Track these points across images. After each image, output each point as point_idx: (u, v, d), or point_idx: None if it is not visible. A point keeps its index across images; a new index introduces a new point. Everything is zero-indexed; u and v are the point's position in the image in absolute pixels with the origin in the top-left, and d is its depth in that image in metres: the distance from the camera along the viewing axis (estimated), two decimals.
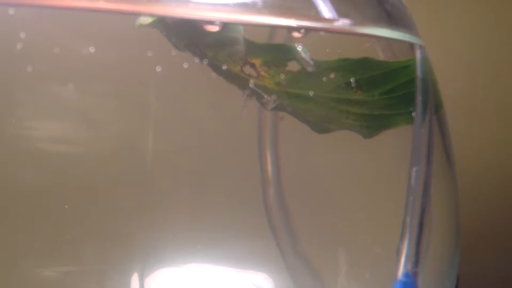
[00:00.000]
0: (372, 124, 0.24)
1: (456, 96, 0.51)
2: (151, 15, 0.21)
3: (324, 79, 0.23)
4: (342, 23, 0.23)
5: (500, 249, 0.53)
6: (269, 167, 0.24)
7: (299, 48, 0.22)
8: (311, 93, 0.23)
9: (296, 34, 0.22)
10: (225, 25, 0.22)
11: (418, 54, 0.25)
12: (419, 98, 0.24)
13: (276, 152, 0.24)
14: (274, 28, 0.23)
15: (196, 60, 0.22)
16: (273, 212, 0.24)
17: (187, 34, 0.22)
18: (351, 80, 0.23)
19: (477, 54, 0.53)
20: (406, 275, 0.24)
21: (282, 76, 0.22)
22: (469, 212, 0.51)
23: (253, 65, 0.22)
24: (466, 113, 0.53)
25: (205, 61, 0.22)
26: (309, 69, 0.23)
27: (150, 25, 0.21)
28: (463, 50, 0.53)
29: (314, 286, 0.24)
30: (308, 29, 0.22)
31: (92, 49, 0.20)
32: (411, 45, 0.25)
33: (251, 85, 0.22)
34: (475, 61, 0.53)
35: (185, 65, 0.21)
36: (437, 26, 0.53)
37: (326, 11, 0.22)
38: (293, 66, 0.23)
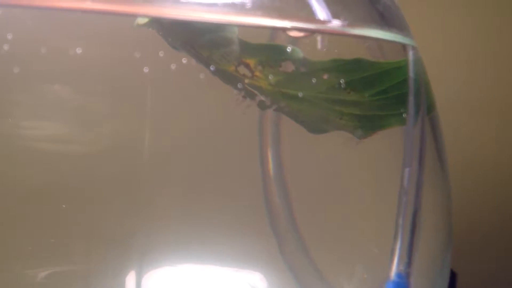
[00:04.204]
0: (366, 125, 0.24)
1: (456, 96, 0.51)
2: (144, 16, 0.21)
3: (317, 79, 0.23)
4: (335, 24, 0.23)
5: (500, 248, 0.53)
6: (270, 166, 0.24)
7: (289, 49, 0.22)
8: (300, 94, 0.23)
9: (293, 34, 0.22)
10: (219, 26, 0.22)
11: (410, 55, 0.25)
12: (411, 99, 0.24)
13: (277, 150, 0.24)
14: (269, 29, 0.23)
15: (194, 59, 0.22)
16: (273, 211, 0.24)
17: (183, 34, 0.22)
18: (344, 81, 0.23)
19: (477, 54, 0.53)
20: (398, 275, 0.24)
21: (276, 77, 0.22)
22: (469, 212, 0.51)
23: (247, 65, 0.22)
24: (466, 113, 0.53)
25: (195, 60, 0.22)
26: (303, 69, 0.23)
27: (146, 24, 0.21)
28: (463, 50, 0.53)
29: (315, 284, 0.24)
30: (300, 31, 0.22)
31: (79, 50, 0.20)
32: (404, 46, 0.25)
33: (246, 86, 0.22)
34: (475, 61, 0.53)
35: (184, 62, 0.21)
36: (437, 26, 0.53)
37: (321, 11, 0.22)
38: (288, 67, 0.23)
